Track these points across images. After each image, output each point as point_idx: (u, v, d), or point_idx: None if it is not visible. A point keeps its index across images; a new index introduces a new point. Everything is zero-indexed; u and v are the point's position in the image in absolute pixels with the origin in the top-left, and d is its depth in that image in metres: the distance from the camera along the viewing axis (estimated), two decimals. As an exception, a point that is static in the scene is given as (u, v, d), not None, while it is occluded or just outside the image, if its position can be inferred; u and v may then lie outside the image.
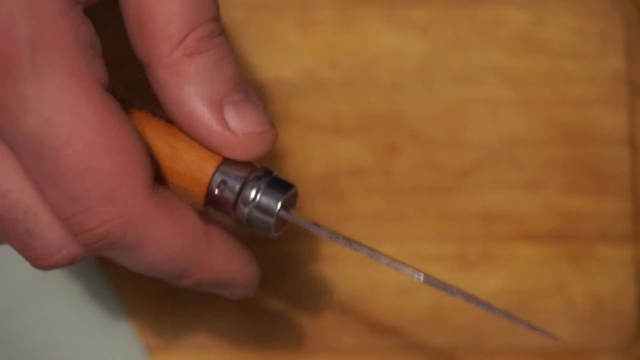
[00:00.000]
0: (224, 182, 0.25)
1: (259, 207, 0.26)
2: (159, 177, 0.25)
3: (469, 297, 0.26)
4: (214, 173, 0.25)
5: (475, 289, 0.42)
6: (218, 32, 0.23)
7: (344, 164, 0.43)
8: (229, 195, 0.25)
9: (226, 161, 0.25)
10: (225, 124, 0.24)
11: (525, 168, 0.43)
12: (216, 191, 0.25)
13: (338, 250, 0.43)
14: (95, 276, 0.42)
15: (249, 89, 0.24)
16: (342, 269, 0.42)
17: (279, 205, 0.25)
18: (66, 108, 0.21)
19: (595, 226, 0.43)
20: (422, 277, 0.26)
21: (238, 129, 0.24)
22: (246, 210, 0.25)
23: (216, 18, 0.23)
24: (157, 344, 0.42)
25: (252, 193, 0.25)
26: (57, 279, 0.42)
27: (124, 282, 0.42)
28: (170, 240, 0.24)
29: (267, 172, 0.26)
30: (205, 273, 0.26)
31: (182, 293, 0.42)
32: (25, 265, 0.42)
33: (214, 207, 0.25)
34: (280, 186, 0.26)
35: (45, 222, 0.24)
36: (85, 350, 0.41)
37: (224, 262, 0.27)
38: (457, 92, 0.44)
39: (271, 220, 0.26)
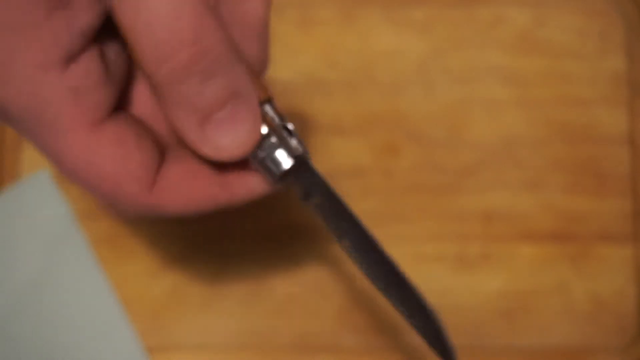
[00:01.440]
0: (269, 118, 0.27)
1: (273, 158, 0.27)
2: None
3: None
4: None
5: (475, 289, 0.43)
6: (200, 56, 0.24)
7: (344, 164, 0.43)
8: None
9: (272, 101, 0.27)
10: (206, 141, 0.26)
11: (525, 168, 0.43)
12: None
13: (338, 250, 0.43)
14: (95, 277, 0.42)
15: (238, 98, 0.26)
16: (342, 269, 0.42)
17: (290, 164, 0.27)
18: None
19: (595, 226, 0.43)
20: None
21: (211, 145, 0.26)
22: (263, 153, 0.27)
23: (196, 42, 0.24)
24: (157, 345, 0.42)
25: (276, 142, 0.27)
26: (57, 279, 0.42)
27: (124, 283, 0.42)
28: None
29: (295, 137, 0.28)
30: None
31: (182, 293, 0.42)
32: (26, 265, 0.42)
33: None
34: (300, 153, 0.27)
35: None
36: (86, 351, 0.41)
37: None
38: (457, 92, 0.44)
39: (277, 173, 0.27)
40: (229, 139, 0.25)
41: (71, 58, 0.24)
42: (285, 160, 0.27)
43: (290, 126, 0.27)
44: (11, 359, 0.41)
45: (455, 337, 0.42)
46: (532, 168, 0.43)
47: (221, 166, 0.27)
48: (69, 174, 0.26)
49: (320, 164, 0.43)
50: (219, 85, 0.25)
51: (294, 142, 0.27)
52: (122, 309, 0.42)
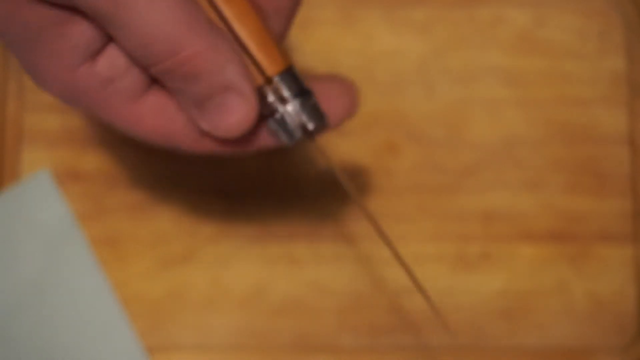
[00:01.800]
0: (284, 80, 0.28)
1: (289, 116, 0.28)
2: None
3: None
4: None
5: (475, 289, 0.43)
6: (181, 64, 0.26)
7: (344, 163, 0.43)
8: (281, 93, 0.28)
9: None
10: (204, 120, 0.27)
11: (525, 168, 0.43)
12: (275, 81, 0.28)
13: (338, 250, 0.43)
14: (95, 277, 0.42)
15: (227, 91, 0.27)
16: (342, 269, 0.42)
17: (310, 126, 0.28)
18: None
19: (595, 226, 0.43)
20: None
21: (210, 125, 0.27)
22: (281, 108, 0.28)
23: (177, 50, 0.25)
24: (157, 345, 0.42)
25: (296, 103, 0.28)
26: (57, 279, 0.42)
27: (124, 283, 0.42)
28: None
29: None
30: None
31: (182, 293, 0.42)
32: (26, 265, 0.42)
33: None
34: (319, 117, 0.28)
35: None
36: (86, 351, 0.41)
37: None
38: (457, 92, 0.44)
39: (288, 142, 0.28)
40: (222, 123, 0.27)
41: (95, 52, 0.26)
42: (295, 131, 0.28)
43: (305, 94, 0.28)
44: (11, 359, 0.41)
45: (455, 337, 0.42)
46: (532, 168, 0.43)
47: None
48: (126, 132, 0.28)
49: (320, 163, 0.43)
50: (203, 84, 0.26)
51: (307, 110, 0.28)
52: (122, 309, 0.42)
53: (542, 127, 0.44)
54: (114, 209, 0.43)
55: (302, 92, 0.28)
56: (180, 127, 0.28)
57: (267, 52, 0.27)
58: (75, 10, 0.25)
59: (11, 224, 0.42)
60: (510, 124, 0.43)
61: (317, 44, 0.44)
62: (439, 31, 0.44)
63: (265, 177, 0.43)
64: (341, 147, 0.43)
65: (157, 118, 0.28)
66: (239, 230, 0.43)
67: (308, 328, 0.42)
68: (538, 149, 0.43)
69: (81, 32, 0.26)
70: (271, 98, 0.27)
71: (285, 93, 0.27)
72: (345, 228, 0.43)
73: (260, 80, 0.27)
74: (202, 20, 0.25)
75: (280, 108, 0.27)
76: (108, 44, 0.26)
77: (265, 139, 0.29)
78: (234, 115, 0.27)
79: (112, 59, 0.27)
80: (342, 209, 0.43)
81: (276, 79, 0.27)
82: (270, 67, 0.27)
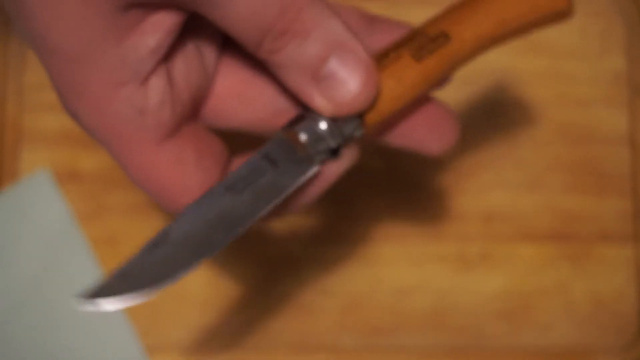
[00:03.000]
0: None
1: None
2: None
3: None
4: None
5: (475, 289, 0.43)
6: (291, 22, 0.25)
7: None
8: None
9: None
10: (325, 99, 0.26)
11: (525, 168, 0.43)
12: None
13: (338, 250, 0.43)
14: (95, 277, 0.42)
15: (344, 52, 0.26)
16: (342, 269, 0.42)
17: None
18: None
19: (595, 226, 0.43)
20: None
21: (330, 100, 0.26)
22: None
23: (284, 11, 0.25)
24: (157, 345, 0.42)
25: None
26: (57, 279, 0.42)
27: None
28: None
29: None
30: None
31: (182, 293, 0.42)
32: (26, 265, 0.42)
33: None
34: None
35: None
36: (85, 351, 0.41)
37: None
38: (457, 92, 0.44)
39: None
40: (344, 90, 0.26)
41: (138, 79, 0.26)
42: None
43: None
44: (11, 358, 0.41)
45: (456, 337, 0.42)
46: (532, 168, 0.43)
47: None
48: (133, 182, 0.27)
49: (320, 164, 0.43)
50: (316, 40, 0.25)
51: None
52: (122, 309, 0.42)
53: (542, 127, 0.44)
54: (114, 209, 0.43)
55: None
56: (191, 186, 0.27)
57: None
58: (146, 10, 0.25)
59: (11, 224, 0.42)
60: (510, 124, 0.43)
61: (317, 43, 0.44)
62: (439, 31, 0.44)
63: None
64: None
65: (173, 169, 0.27)
66: (239, 230, 0.43)
67: (308, 328, 0.42)
68: (538, 149, 0.43)
69: (138, 46, 0.25)
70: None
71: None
72: (345, 228, 0.43)
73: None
74: None
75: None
76: (152, 73, 0.26)
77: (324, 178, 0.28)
78: (354, 78, 0.26)
79: (152, 91, 0.26)
80: (342, 208, 0.43)
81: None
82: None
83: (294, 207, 0.29)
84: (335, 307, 0.42)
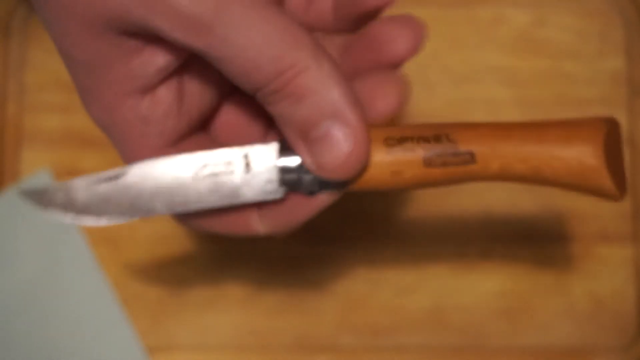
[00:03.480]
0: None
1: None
2: None
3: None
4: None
5: (475, 289, 0.43)
6: (286, 83, 0.25)
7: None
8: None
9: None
10: (310, 157, 0.26)
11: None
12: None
13: (338, 250, 0.43)
14: (95, 277, 0.42)
15: (336, 121, 0.26)
16: (342, 269, 0.42)
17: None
18: None
19: (595, 226, 0.43)
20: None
21: (315, 162, 0.26)
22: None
23: (282, 71, 0.25)
24: (157, 345, 0.42)
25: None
26: (57, 279, 0.42)
27: (124, 283, 0.42)
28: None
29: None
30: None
31: (182, 293, 0.42)
32: (26, 265, 0.42)
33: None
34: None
35: None
36: (86, 351, 0.41)
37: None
38: (457, 92, 0.44)
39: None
40: (330, 157, 0.26)
41: (146, 90, 0.26)
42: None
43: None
44: (11, 358, 0.41)
45: (455, 337, 0.42)
46: (532, 168, 0.43)
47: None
48: None
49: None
50: (309, 107, 0.25)
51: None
52: (122, 309, 0.42)
53: (542, 127, 0.44)
54: (114, 209, 0.43)
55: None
56: None
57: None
58: (149, 41, 0.25)
59: (11, 224, 0.42)
60: (510, 124, 0.44)
61: (317, 44, 0.44)
62: (438, 31, 0.44)
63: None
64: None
65: None
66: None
67: (308, 328, 0.42)
68: (538, 149, 0.43)
69: (146, 64, 0.26)
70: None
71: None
72: (345, 228, 0.43)
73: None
74: (306, 36, 0.25)
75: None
76: (161, 84, 0.27)
77: (312, 202, 0.28)
78: (340, 148, 0.25)
79: (158, 102, 0.27)
80: (342, 208, 0.43)
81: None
82: None
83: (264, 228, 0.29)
84: (335, 307, 0.42)
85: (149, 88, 0.26)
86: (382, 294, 0.42)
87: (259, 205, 0.28)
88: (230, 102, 0.30)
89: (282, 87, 0.25)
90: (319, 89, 0.25)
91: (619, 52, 0.44)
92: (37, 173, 0.43)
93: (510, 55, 0.44)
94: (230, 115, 0.30)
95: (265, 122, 0.30)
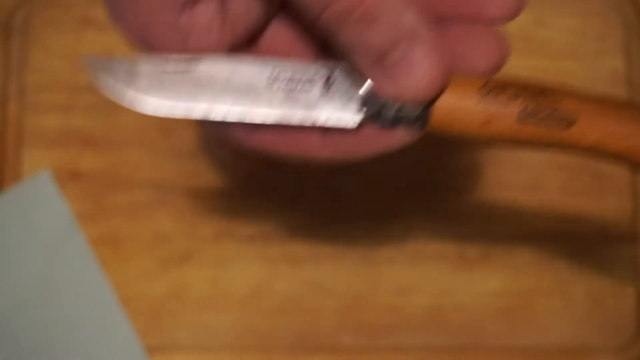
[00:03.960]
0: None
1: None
2: None
3: None
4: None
5: (475, 288, 0.43)
6: (358, 2, 0.24)
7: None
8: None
9: None
10: (389, 81, 0.25)
11: (525, 168, 0.43)
12: None
13: (338, 250, 0.43)
14: (95, 277, 0.42)
15: (411, 38, 0.24)
16: (342, 269, 0.42)
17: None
18: None
19: (595, 226, 0.43)
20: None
21: (393, 85, 0.25)
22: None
23: None
24: (157, 345, 0.42)
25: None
26: (57, 279, 0.42)
27: (124, 283, 0.42)
28: None
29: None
30: None
31: (182, 293, 0.42)
32: (26, 265, 0.42)
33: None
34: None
35: None
36: (86, 351, 0.41)
37: None
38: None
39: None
40: (409, 80, 0.25)
41: (187, 4, 0.25)
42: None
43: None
44: (12, 358, 0.41)
45: (455, 336, 0.42)
46: (532, 168, 0.43)
47: None
48: None
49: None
50: (384, 27, 0.24)
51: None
52: (122, 309, 0.42)
53: (542, 127, 0.44)
54: (114, 209, 0.43)
55: None
56: None
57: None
58: None
59: (12, 224, 0.42)
60: (510, 124, 0.44)
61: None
62: (438, 32, 0.44)
63: (265, 177, 0.43)
64: (341, 147, 0.43)
65: None
66: (239, 230, 0.43)
67: (308, 328, 0.42)
68: (537, 149, 0.43)
69: None
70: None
71: None
72: (345, 228, 0.43)
73: None
74: None
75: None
76: (203, 1, 0.26)
77: (391, 137, 0.26)
78: (420, 69, 0.24)
79: (199, 16, 0.26)
80: (342, 208, 0.43)
81: None
82: None
83: (334, 155, 0.28)
84: (335, 307, 0.42)
85: (191, 1, 0.26)
86: (382, 294, 0.42)
87: (324, 130, 0.27)
88: (279, 21, 0.28)
89: (353, 8, 0.23)
90: (393, 11, 0.24)
91: (618, 53, 0.44)
92: (38, 174, 0.43)
93: (510, 55, 0.44)
94: (278, 35, 0.28)
95: (316, 47, 0.28)
